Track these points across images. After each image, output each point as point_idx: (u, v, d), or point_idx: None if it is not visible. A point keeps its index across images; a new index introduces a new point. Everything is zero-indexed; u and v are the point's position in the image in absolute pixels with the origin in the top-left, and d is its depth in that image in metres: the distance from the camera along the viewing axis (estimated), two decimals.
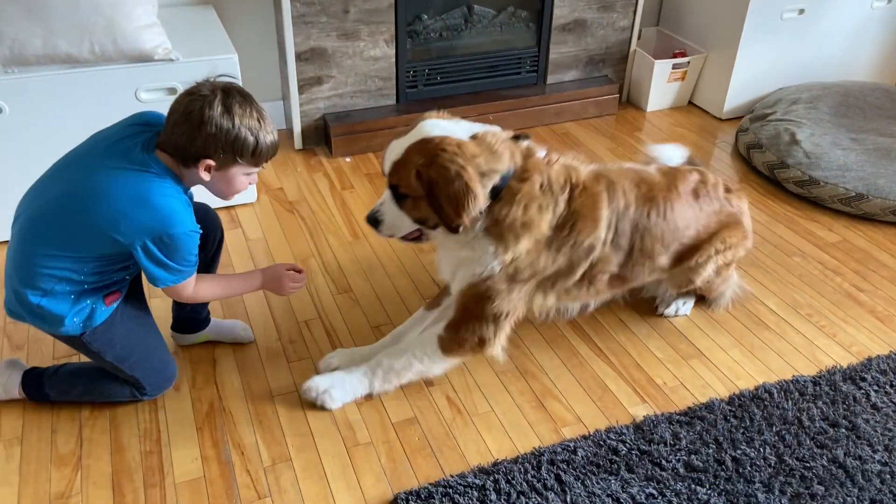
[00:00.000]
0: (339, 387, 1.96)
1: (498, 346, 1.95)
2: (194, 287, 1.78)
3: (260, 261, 2.55)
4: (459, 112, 3.29)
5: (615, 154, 3.30)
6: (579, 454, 1.82)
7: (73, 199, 1.64)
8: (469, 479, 1.75)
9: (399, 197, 1.82)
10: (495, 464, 1.80)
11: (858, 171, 2.84)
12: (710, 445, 1.86)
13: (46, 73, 2.33)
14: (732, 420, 1.94)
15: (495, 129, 1.85)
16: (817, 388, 2.02)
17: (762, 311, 2.36)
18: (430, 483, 1.75)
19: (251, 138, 1.65)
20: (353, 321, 2.29)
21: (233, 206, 2.82)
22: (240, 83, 1.72)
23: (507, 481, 1.74)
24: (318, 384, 1.96)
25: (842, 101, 3.31)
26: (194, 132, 1.60)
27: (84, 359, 1.95)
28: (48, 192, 1.69)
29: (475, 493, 1.71)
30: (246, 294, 2.28)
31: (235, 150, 1.65)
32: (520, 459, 1.81)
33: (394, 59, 3.21)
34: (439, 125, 1.79)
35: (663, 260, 2.07)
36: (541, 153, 1.88)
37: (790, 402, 1.97)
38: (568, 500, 1.71)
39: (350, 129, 3.18)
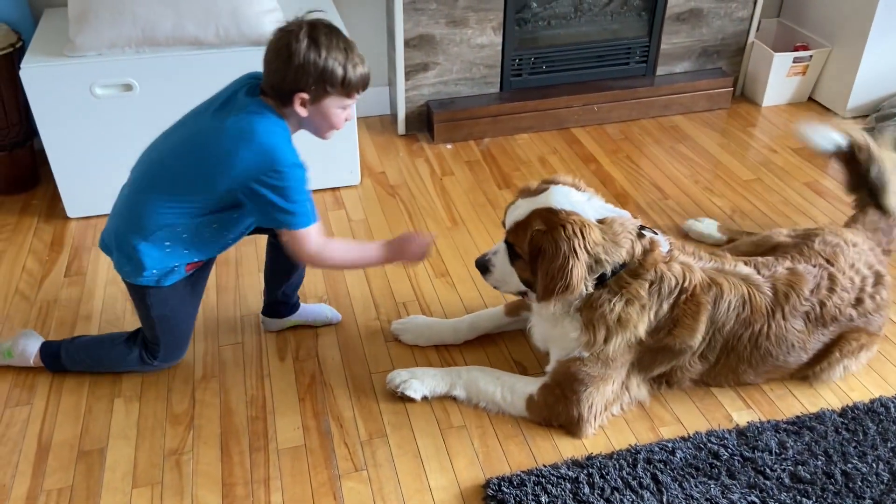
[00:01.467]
0: (420, 379, 1.97)
1: (590, 430, 1.87)
2: (322, 244, 1.77)
3: None
4: (564, 101, 3.29)
5: (726, 150, 3.17)
6: (678, 455, 1.77)
7: (183, 146, 1.74)
8: (562, 471, 1.74)
9: (513, 255, 1.81)
10: (589, 457, 1.78)
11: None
12: (820, 457, 1.77)
13: (175, 53, 2.47)
14: (844, 433, 1.84)
15: (625, 214, 1.79)
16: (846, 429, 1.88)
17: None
18: (523, 470, 1.75)
19: (339, 68, 1.67)
20: (449, 304, 2.32)
21: (337, 189, 2.90)
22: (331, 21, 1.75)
23: (602, 476, 1.72)
24: (402, 374, 1.98)
25: None
26: (284, 67, 1.65)
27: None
28: (162, 144, 1.80)
29: (568, 485, 1.70)
30: (370, 266, 2.26)
31: (325, 81, 1.67)
32: (615, 455, 1.78)
33: (500, 47, 3.21)
34: (570, 198, 1.74)
35: (750, 377, 1.96)
36: (664, 247, 1.81)
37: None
38: (664, 500, 1.67)
39: (452, 116, 3.20)
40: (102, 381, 2.02)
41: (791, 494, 1.68)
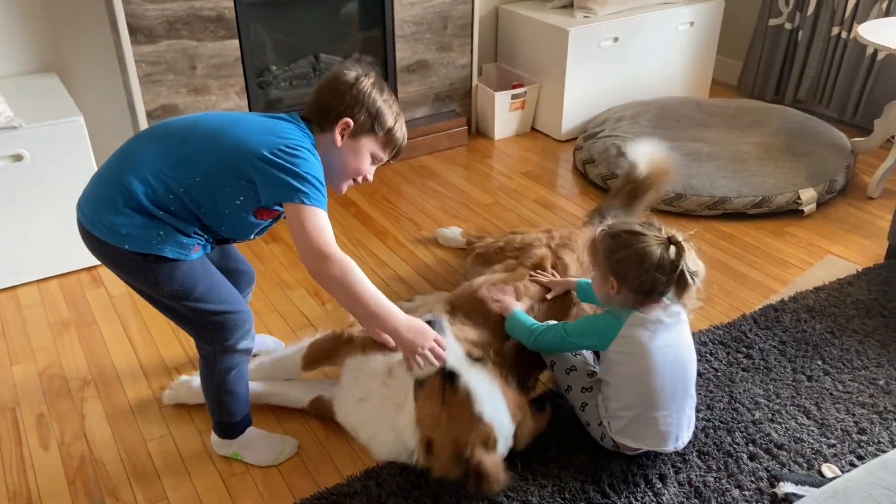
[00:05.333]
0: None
1: None
2: (339, 258, 1.59)
3: (126, 315, 2.56)
4: None
5: (468, 181, 3.54)
6: None
7: (204, 131, 1.67)
8: (342, 488, 1.85)
9: None
10: (367, 471, 1.92)
11: (675, 174, 3.22)
12: None
13: None
14: None
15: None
16: None
17: None
18: (304, 498, 1.84)
19: (391, 118, 1.74)
20: None
21: (94, 267, 2.81)
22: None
23: (378, 485, 1.86)
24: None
25: (659, 114, 3.73)
26: (344, 92, 1.68)
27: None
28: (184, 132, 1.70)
29: (347, 500, 1.82)
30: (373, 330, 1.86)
31: (375, 119, 1.71)
32: (390, 464, 1.93)
33: (247, 110, 3.33)
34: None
35: None
36: None
37: None
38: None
39: None
40: None
41: None
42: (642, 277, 1.73)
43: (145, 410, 2.16)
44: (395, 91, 3.68)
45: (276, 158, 1.59)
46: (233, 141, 1.63)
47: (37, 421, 2.11)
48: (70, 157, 2.61)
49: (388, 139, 1.76)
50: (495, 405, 1.74)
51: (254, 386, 2.06)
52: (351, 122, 1.70)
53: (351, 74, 1.72)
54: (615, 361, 1.83)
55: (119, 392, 2.22)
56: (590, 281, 2.01)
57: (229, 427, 1.95)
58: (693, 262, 1.74)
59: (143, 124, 3.09)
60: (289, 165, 1.58)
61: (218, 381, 1.86)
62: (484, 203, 3.35)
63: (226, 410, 1.92)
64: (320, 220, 1.59)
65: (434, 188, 3.49)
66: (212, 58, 3.14)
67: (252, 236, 1.82)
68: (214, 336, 1.79)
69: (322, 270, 1.59)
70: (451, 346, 1.81)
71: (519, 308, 2.04)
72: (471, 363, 1.80)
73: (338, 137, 1.71)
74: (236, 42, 3.16)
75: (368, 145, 1.75)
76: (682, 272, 1.71)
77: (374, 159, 1.79)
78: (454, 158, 3.80)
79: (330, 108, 1.70)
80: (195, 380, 2.13)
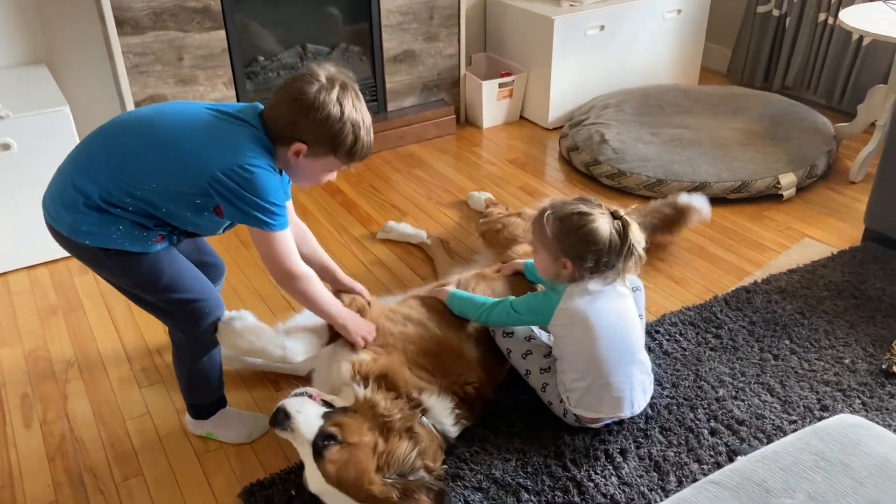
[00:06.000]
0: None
1: None
2: (303, 275, 1.74)
3: (112, 302, 2.62)
4: None
5: (455, 169, 3.58)
6: None
7: (152, 131, 1.67)
8: None
9: None
10: None
11: (657, 160, 3.24)
12: None
13: None
14: None
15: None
16: None
17: None
18: (275, 472, 1.90)
19: (351, 137, 1.66)
20: None
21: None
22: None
23: None
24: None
25: (644, 101, 3.75)
26: (299, 114, 1.62)
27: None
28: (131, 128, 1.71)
29: None
30: (327, 322, 1.96)
31: (334, 145, 1.66)
32: None
33: (235, 101, 3.39)
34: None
35: None
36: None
37: None
38: None
39: None
40: None
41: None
42: (596, 255, 1.77)
43: (126, 391, 2.22)
44: (382, 81, 3.73)
45: (231, 182, 1.60)
46: (188, 157, 1.63)
47: (21, 401, 2.18)
48: (57, 147, 2.65)
49: (350, 155, 1.73)
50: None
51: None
52: (305, 147, 1.68)
53: (312, 89, 1.63)
54: (560, 336, 1.89)
55: (102, 374, 2.29)
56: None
57: (202, 409, 2.01)
58: (636, 233, 1.79)
59: None
60: (247, 193, 1.61)
61: (189, 367, 1.92)
62: (469, 190, 3.38)
63: (198, 394, 1.98)
64: (285, 243, 1.71)
65: (421, 176, 3.53)
66: (199, 49, 3.20)
67: (219, 231, 1.86)
68: (185, 324, 1.84)
69: (290, 286, 1.80)
70: (308, 420, 1.71)
71: (451, 288, 2.09)
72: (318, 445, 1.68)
73: (292, 157, 1.70)
74: (223, 33, 3.21)
75: (327, 164, 1.74)
76: (631, 245, 1.76)
77: (335, 169, 1.79)
78: (442, 147, 3.83)
79: (284, 130, 1.67)
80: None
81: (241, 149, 1.64)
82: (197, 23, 3.15)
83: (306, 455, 1.69)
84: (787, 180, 3.12)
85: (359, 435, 1.68)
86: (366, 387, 1.79)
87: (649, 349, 2.28)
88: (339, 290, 2.08)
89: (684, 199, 2.69)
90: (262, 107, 1.74)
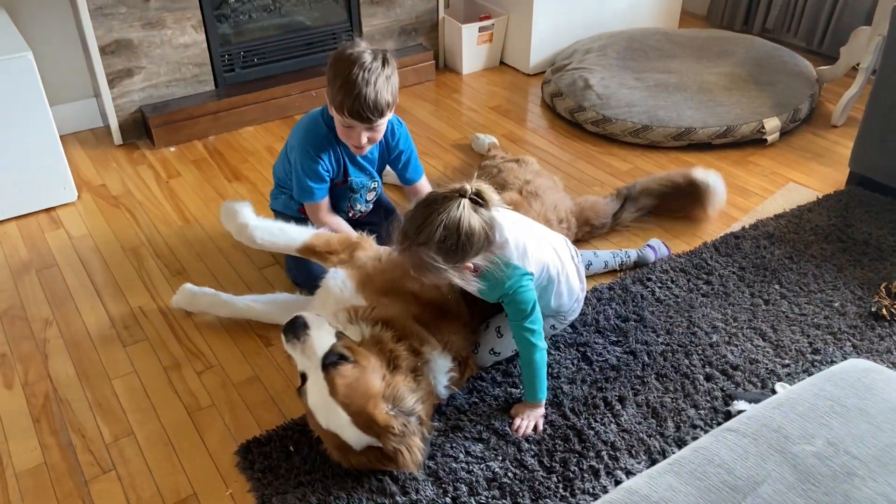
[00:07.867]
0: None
1: None
2: (320, 221, 2.24)
3: (87, 257, 2.54)
4: (281, 91, 3.41)
5: (436, 116, 3.50)
6: None
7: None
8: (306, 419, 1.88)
9: None
10: None
11: (642, 105, 3.20)
12: None
13: None
14: None
15: None
16: (612, 293, 2.30)
17: None
18: (271, 429, 1.87)
19: (344, 90, 1.92)
20: None
21: (53, 208, 2.77)
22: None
23: None
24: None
25: (627, 46, 3.68)
26: (332, 70, 1.99)
27: None
28: None
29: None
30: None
31: (331, 94, 1.99)
32: None
33: (205, 45, 3.24)
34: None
35: None
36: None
37: (589, 307, 2.23)
38: None
39: (169, 119, 3.18)
40: None
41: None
42: (483, 246, 1.68)
43: (110, 350, 2.15)
44: (359, 24, 3.60)
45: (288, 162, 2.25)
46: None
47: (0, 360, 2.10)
48: (20, 94, 2.53)
49: (337, 107, 1.98)
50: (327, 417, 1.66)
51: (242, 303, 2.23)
52: (328, 102, 2.03)
53: (349, 59, 1.96)
54: (546, 280, 1.92)
55: (82, 332, 2.21)
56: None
57: None
58: (490, 192, 1.71)
59: (97, 60, 2.99)
60: (296, 175, 2.22)
61: None
62: (452, 139, 3.31)
63: None
64: (312, 209, 2.26)
65: None
66: None
67: (343, 204, 2.33)
68: None
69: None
70: (321, 336, 1.70)
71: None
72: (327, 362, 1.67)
73: (331, 110, 2.06)
74: None
75: (340, 121, 2.04)
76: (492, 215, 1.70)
77: (345, 126, 2.04)
78: (422, 94, 3.73)
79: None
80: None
81: (301, 123, 2.23)
82: None
83: (313, 367, 1.65)
84: (772, 125, 3.10)
85: (368, 361, 1.68)
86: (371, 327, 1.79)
87: (642, 297, 2.28)
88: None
89: (700, 174, 2.59)
90: None
